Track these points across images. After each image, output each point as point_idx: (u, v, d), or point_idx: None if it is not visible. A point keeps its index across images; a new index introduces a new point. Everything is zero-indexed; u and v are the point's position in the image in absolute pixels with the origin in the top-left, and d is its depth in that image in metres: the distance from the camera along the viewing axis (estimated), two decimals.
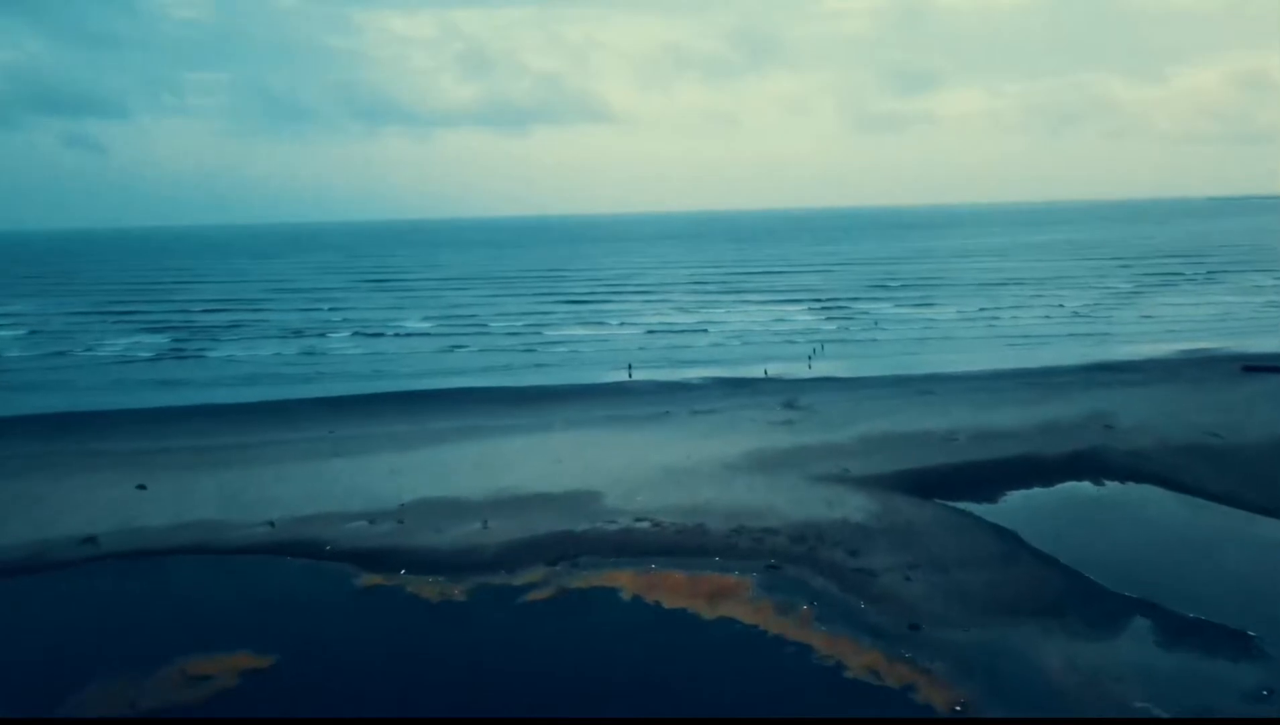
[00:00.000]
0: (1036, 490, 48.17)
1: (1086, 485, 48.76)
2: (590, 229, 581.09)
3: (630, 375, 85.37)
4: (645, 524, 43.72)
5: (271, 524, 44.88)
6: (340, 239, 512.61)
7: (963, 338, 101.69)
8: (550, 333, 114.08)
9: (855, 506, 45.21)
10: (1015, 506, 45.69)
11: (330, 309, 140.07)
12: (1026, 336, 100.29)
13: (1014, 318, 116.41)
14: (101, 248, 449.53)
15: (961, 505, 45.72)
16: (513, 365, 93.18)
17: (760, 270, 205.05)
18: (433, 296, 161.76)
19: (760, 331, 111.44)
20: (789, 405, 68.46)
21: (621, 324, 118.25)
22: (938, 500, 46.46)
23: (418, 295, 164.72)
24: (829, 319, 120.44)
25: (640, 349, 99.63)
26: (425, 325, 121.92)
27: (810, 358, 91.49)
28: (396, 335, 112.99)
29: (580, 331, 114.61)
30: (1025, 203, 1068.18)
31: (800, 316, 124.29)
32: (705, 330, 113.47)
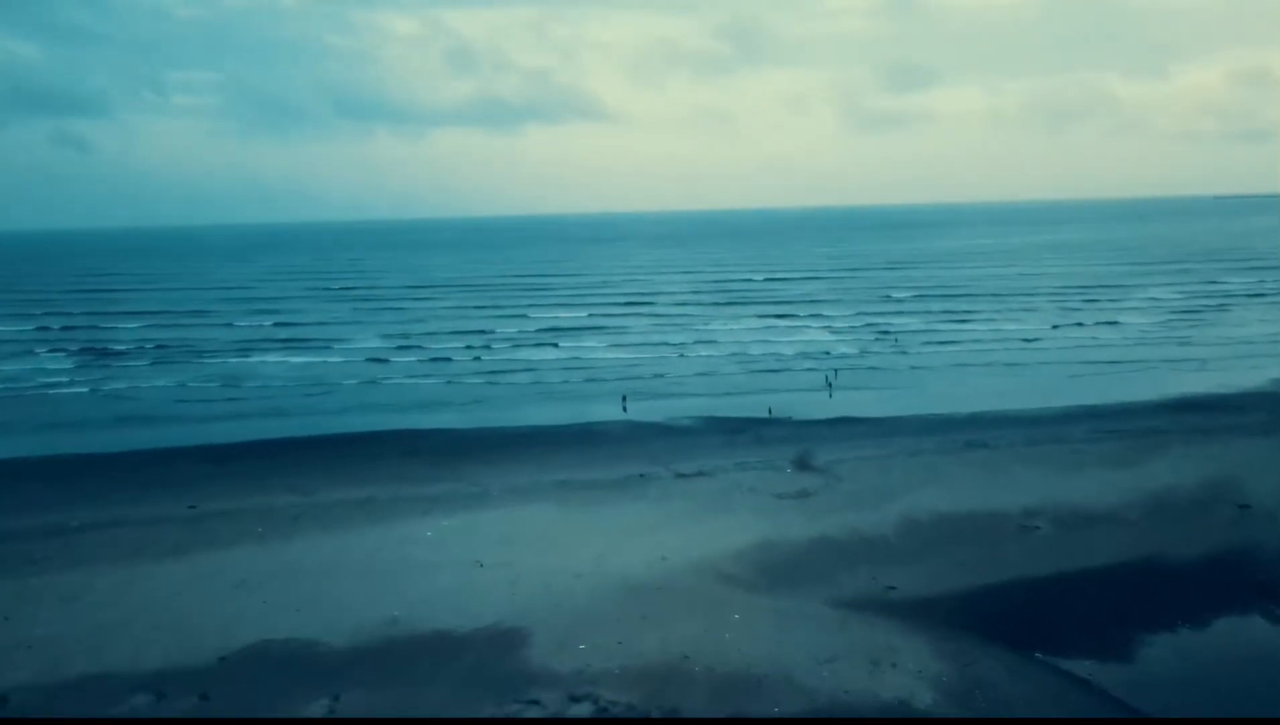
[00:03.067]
0: (1185, 634, 31.92)
1: (1259, 625, 32.47)
2: (584, 229, 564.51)
3: (625, 408, 69.87)
4: (585, 706, 27.62)
5: (3, 700, 28.76)
6: (326, 239, 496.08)
7: (1006, 362, 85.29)
8: (518, 354, 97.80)
9: (914, 669, 29.11)
10: (1164, 673, 29.44)
11: (275, 323, 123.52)
12: (1084, 362, 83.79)
13: (1063, 336, 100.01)
14: (71, 249, 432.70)
15: (1079, 668, 29.58)
16: (461, 399, 76.89)
17: (762, 275, 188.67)
18: (397, 307, 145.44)
19: (763, 353, 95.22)
20: (803, 463, 52.28)
21: (610, 345, 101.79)
22: (1039, 655, 30.36)
23: (380, 305, 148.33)
24: (843, 337, 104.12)
25: (620, 378, 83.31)
26: (376, 342, 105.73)
27: (829, 386, 75.44)
28: (336, 358, 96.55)
29: (553, 353, 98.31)
30: (1026, 201, 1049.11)
31: (810, 333, 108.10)
32: (699, 351, 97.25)
